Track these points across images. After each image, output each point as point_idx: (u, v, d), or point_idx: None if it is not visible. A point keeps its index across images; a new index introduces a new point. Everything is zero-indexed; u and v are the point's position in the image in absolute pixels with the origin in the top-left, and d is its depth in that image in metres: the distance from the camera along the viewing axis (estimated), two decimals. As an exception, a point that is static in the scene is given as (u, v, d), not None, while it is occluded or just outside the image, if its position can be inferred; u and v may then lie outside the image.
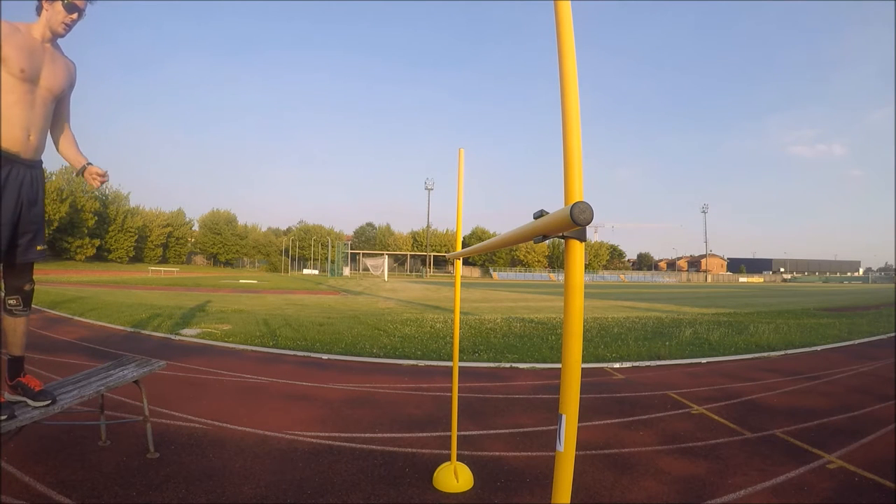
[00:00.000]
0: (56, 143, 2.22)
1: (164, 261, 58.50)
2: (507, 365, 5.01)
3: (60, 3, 1.94)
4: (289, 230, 71.72)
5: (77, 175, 2.22)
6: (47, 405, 2.03)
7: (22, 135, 1.90)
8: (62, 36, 2.03)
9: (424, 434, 2.94)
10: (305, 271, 59.16)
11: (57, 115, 2.15)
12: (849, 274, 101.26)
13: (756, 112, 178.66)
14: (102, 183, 2.20)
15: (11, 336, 2.07)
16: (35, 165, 2.02)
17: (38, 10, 1.98)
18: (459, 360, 2.52)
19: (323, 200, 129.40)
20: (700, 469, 2.50)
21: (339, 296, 17.27)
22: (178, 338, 6.21)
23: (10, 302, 2.04)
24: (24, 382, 2.07)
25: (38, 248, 2.06)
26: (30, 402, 2.02)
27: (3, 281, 2.04)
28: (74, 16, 1.99)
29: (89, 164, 2.18)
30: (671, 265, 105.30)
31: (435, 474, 2.32)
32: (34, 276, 2.13)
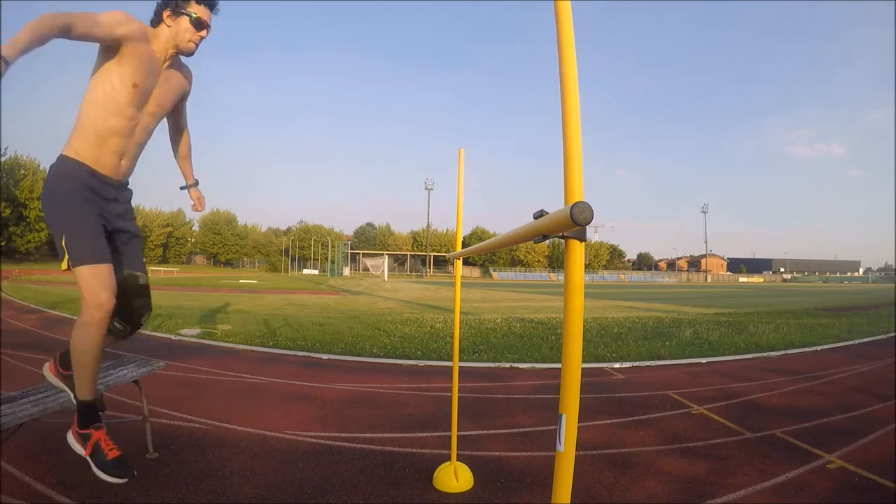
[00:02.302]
0: (173, 150, 2.09)
1: (164, 261, 58.51)
2: (507, 365, 5.01)
3: (187, 18, 1.69)
4: (289, 230, 71.74)
5: (181, 188, 2.08)
6: (121, 481, 1.66)
7: (114, 160, 1.70)
8: (190, 54, 1.77)
9: (424, 434, 2.94)
10: (305, 271, 59.17)
11: (174, 125, 2.02)
12: (849, 274, 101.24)
13: (756, 112, 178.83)
14: (199, 210, 2.09)
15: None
16: (122, 187, 1.83)
17: (156, 23, 1.72)
18: (459, 360, 2.52)
19: (323, 200, 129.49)
20: (700, 469, 2.49)
21: (339, 296, 17.26)
22: (177, 338, 6.21)
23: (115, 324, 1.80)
24: (98, 440, 1.67)
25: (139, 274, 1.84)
26: (98, 471, 1.67)
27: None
28: (203, 32, 1.73)
29: (197, 183, 2.06)
30: (671, 265, 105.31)
31: (435, 474, 2.31)
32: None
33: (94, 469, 1.65)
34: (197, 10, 1.71)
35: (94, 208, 1.68)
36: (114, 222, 1.77)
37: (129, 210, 1.87)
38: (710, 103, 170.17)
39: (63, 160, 1.66)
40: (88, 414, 1.73)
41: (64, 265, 1.64)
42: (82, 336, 1.65)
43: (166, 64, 1.76)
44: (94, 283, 1.59)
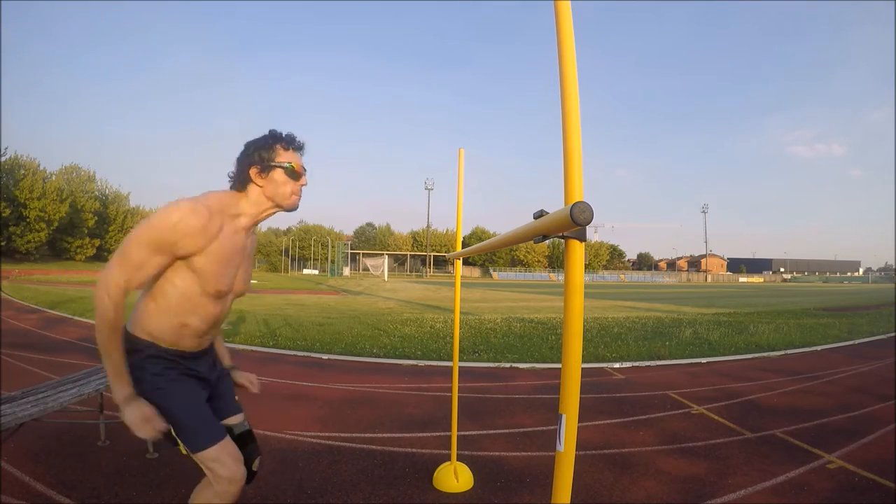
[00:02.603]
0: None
1: (164, 261, 58.43)
2: (507, 365, 5.01)
3: (282, 171, 1.42)
4: (289, 230, 71.70)
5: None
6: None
7: (197, 343, 1.48)
8: (295, 209, 1.49)
9: (424, 434, 2.94)
10: (305, 271, 59.18)
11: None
12: (849, 274, 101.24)
13: (756, 112, 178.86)
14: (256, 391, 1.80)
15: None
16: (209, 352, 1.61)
17: (242, 185, 1.43)
18: (459, 360, 2.52)
19: (323, 200, 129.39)
20: (700, 469, 2.49)
21: (339, 296, 17.26)
22: (178, 338, 6.20)
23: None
24: None
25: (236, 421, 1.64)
26: None
27: None
28: (303, 181, 1.47)
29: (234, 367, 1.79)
30: (671, 265, 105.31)
31: (435, 474, 2.31)
32: None
33: None
34: (289, 158, 1.45)
35: (188, 383, 1.47)
36: (210, 379, 1.58)
37: (215, 358, 1.66)
38: (710, 103, 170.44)
39: (138, 342, 1.41)
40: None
41: (183, 450, 1.44)
42: None
43: (250, 238, 1.51)
44: (224, 460, 1.42)
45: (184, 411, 1.43)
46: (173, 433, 1.42)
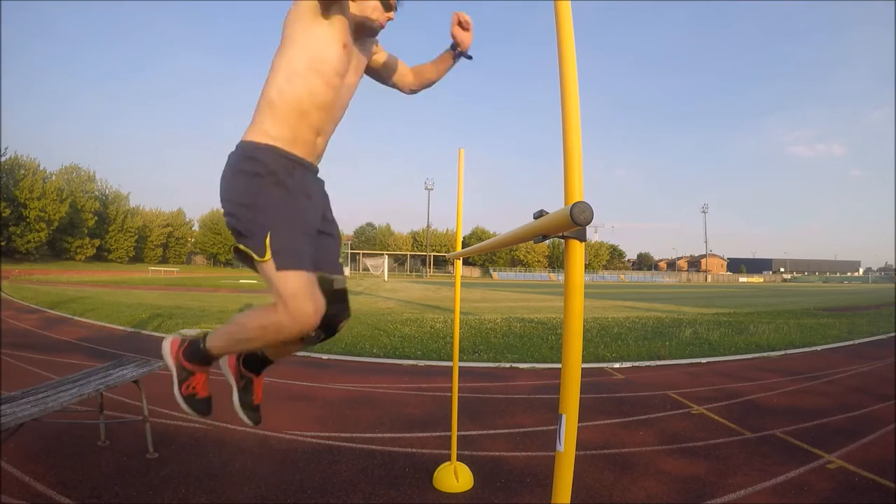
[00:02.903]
0: (422, 76, 1.77)
1: (164, 261, 58.54)
2: (507, 365, 5.01)
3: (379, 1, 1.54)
4: (289, 230, 71.63)
5: (454, 54, 1.72)
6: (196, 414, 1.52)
7: (311, 138, 1.48)
8: (374, 34, 1.62)
9: (424, 434, 2.95)
10: (305, 271, 59.04)
11: (387, 68, 1.74)
12: (849, 274, 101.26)
13: (756, 112, 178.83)
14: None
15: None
16: (316, 173, 1.58)
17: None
18: (459, 360, 2.52)
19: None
20: (700, 469, 2.49)
21: (339, 296, 17.23)
22: (178, 338, 6.20)
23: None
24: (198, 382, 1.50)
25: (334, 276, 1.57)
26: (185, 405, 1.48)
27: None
28: (392, 14, 1.60)
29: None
30: (671, 265, 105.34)
31: (435, 474, 2.32)
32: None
33: (182, 402, 1.47)
34: None
35: (301, 203, 1.43)
36: (318, 222, 1.54)
37: (328, 205, 1.64)
38: (710, 103, 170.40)
39: (254, 147, 1.37)
40: (203, 357, 1.49)
41: (267, 256, 1.29)
42: (263, 336, 1.33)
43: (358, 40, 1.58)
44: (300, 293, 1.29)
45: (288, 222, 1.34)
46: (267, 241, 1.29)
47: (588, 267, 74.03)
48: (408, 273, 69.67)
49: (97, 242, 50.37)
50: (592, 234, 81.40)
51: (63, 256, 47.24)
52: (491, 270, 69.38)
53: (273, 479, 2.27)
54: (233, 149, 1.42)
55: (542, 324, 8.58)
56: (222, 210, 1.40)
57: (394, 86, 1.79)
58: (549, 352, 5.62)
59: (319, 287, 1.36)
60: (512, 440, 2.88)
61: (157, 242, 59.36)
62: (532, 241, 0.90)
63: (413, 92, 1.83)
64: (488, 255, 68.45)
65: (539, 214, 0.84)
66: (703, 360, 5.45)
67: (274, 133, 1.39)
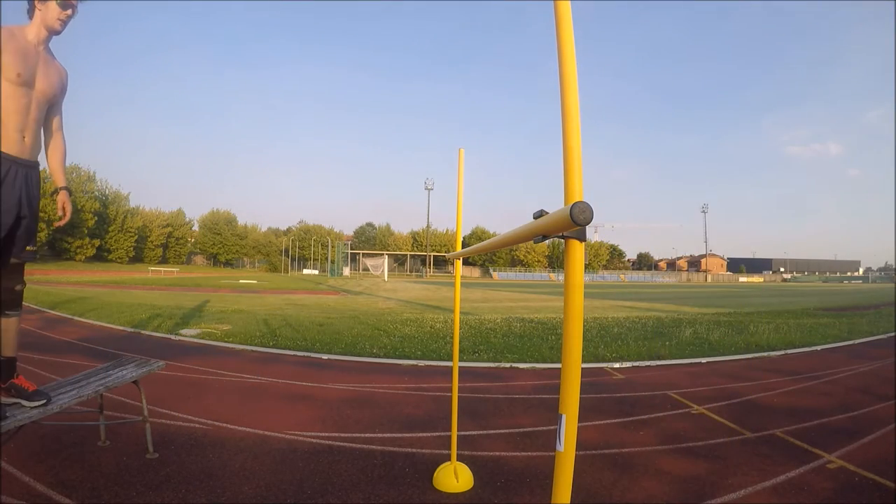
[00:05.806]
0: (45, 149, 2.23)
1: (163, 261, 58.49)
2: (507, 365, 5.01)
3: (54, 1, 2.01)
4: (289, 230, 71.75)
5: (49, 194, 2.27)
6: (42, 405, 2.01)
7: (17, 137, 1.96)
8: (59, 33, 2.08)
9: (424, 434, 2.94)
10: (305, 271, 59.20)
11: (47, 123, 2.18)
12: (849, 274, 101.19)
13: (754, 111, 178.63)
14: (62, 218, 2.21)
15: (3, 337, 2.11)
16: (31, 165, 2.06)
17: (31, 11, 2.03)
18: (459, 360, 2.52)
19: (323, 200, 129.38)
20: (700, 469, 2.49)
21: (339, 296, 17.26)
22: (177, 338, 6.21)
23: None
24: (18, 384, 2.07)
25: (28, 248, 2.09)
26: (24, 402, 2.00)
27: None
28: (69, 12, 2.05)
29: (65, 188, 2.20)
30: (671, 265, 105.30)
31: (435, 474, 2.32)
32: (25, 277, 2.19)
33: (23, 402, 2.00)
34: None
35: None
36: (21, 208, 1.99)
37: (35, 194, 2.08)
38: (709, 103, 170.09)
39: None
40: (9, 368, 2.12)
41: None
42: None
43: (41, 47, 2.04)
44: None
45: None
46: None
47: (588, 267, 74.01)
48: (408, 273, 69.67)
49: (97, 243, 50.31)
50: (592, 234, 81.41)
51: (63, 256, 47.21)
52: (491, 270, 69.37)
53: (273, 479, 2.27)
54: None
55: (542, 324, 8.58)
56: None
57: (45, 146, 2.22)
58: (549, 352, 5.62)
59: (9, 254, 2.04)
60: (512, 440, 2.88)
61: (157, 243, 59.30)
62: (532, 241, 0.90)
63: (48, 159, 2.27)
64: (488, 255, 68.45)
65: (539, 214, 0.84)
66: (703, 360, 5.45)
67: None
